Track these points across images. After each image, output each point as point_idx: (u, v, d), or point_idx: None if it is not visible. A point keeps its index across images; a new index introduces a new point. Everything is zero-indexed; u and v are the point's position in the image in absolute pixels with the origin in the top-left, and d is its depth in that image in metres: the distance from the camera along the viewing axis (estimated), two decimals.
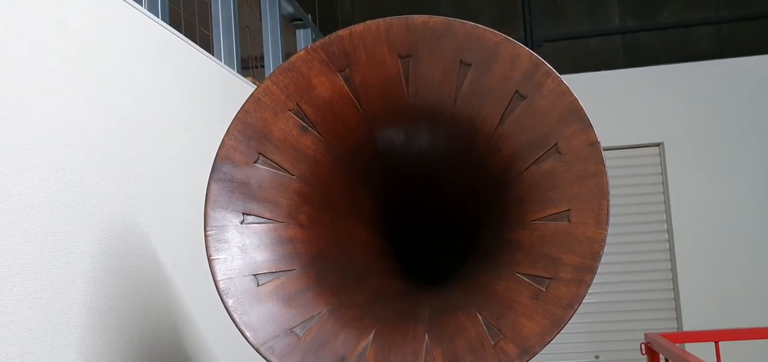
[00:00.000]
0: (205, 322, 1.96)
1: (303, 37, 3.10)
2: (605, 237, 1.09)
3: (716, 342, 2.63)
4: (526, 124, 1.21)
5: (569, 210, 1.14)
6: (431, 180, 1.40)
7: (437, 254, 1.52)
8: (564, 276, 1.11)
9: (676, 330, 4.20)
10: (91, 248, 1.44)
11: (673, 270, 4.28)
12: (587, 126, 1.14)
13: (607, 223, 1.10)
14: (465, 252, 1.40)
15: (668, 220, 4.29)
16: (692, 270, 4.21)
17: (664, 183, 4.32)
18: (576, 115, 1.15)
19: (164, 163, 1.80)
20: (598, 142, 1.13)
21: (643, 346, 2.63)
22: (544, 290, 1.13)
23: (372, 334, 1.20)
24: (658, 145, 4.33)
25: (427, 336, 1.18)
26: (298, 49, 3.11)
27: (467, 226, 1.40)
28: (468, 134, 1.28)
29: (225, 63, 2.37)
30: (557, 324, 1.08)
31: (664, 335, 2.67)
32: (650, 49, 4.84)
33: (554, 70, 1.18)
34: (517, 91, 1.21)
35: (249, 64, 2.88)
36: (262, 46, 2.81)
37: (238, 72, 2.44)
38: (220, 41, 2.40)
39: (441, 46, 1.24)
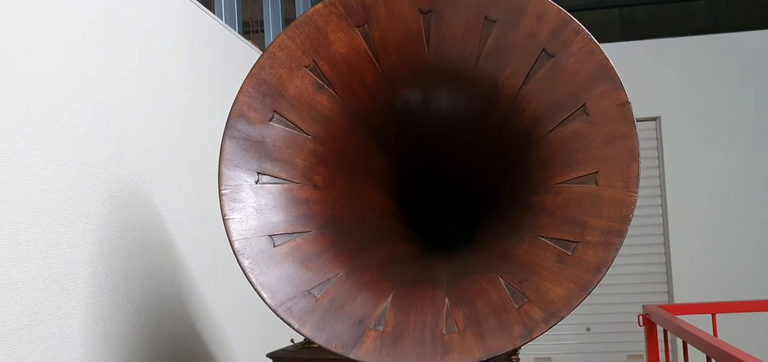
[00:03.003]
0: (209, 285, 1.92)
1: (302, 2, 3.04)
2: (635, 200, 1.07)
3: (713, 314, 2.64)
4: (553, 83, 1.17)
5: (597, 172, 1.11)
6: (449, 142, 1.36)
7: (452, 219, 1.49)
8: (591, 239, 1.09)
9: (667, 303, 4.23)
10: (97, 207, 1.39)
11: (666, 244, 4.29)
12: (618, 86, 1.11)
13: (637, 186, 1.07)
14: (482, 216, 1.37)
15: (662, 195, 4.30)
16: (685, 245, 4.22)
17: (660, 157, 4.31)
18: (606, 74, 1.12)
19: (167, 123, 1.75)
20: (628, 103, 1.10)
21: (640, 317, 2.63)
22: (570, 254, 1.10)
23: (390, 297, 1.17)
24: (654, 119, 4.32)
25: (447, 299, 1.15)
26: (296, 14, 3.04)
27: (486, 190, 1.37)
28: (490, 94, 1.25)
29: (226, 23, 2.30)
30: (585, 288, 1.05)
31: (661, 306, 2.67)
32: (647, 23, 4.81)
33: (584, 27, 1.14)
34: (543, 49, 1.17)
35: (249, 28, 2.81)
36: (262, 10, 2.74)
37: (239, 33, 2.38)
38: (222, 0, 2.33)
39: (465, 0, 1.20)
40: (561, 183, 1.15)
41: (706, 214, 4.21)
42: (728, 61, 4.27)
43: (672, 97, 4.27)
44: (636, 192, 1.07)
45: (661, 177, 4.31)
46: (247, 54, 2.35)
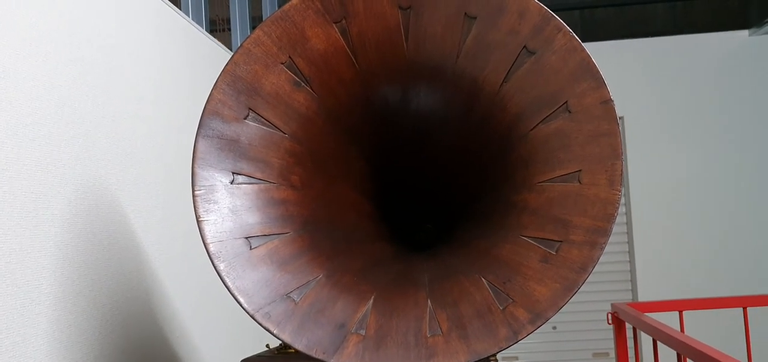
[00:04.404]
0: (179, 289, 1.86)
1: (269, 1, 2.98)
2: (619, 198, 1.06)
3: (680, 312, 2.67)
4: (534, 81, 1.16)
5: (580, 170, 1.10)
6: (428, 141, 1.34)
7: (430, 219, 1.47)
8: (575, 238, 1.07)
9: (631, 302, 4.28)
10: (62, 210, 1.33)
11: (630, 242, 4.35)
12: (600, 84, 1.10)
13: (621, 184, 1.06)
14: (463, 216, 1.35)
15: (626, 194, 4.35)
16: (649, 243, 4.29)
17: (623, 156, 4.37)
18: (588, 71, 1.11)
19: (135, 122, 1.69)
20: (611, 100, 1.09)
21: (609, 316, 2.65)
22: (554, 253, 1.08)
23: (372, 300, 1.14)
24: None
25: (429, 301, 1.13)
26: (263, 13, 2.99)
27: (466, 190, 1.35)
28: (470, 92, 1.23)
29: (193, 20, 2.24)
30: (570, 289, 1.04)
31: (630, 304, 2.70)
32: (607, 24, 4.87)
33: (565, 24, 1.13)
34: (525, 46, 1.15)
35: (216, 27, 2.75)
36: (229, 8, 2.69)
37: (206, 31, 2.32)
38: None
39: None
40: (544, 181, 1.14)
41: (668, 213, 4.29)
42: (688, 62, 4.35)
43: (635, 97, 4.33)
44: (620, 191, 1.06)
45: (625, 176, 4.37)
46: (215, 52, 2.29)
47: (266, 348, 1.47)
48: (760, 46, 4.30)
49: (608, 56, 4.34)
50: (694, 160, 4.30)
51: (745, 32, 4.32)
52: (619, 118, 4.36)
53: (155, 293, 1.72)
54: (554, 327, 4.40)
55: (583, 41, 1.13)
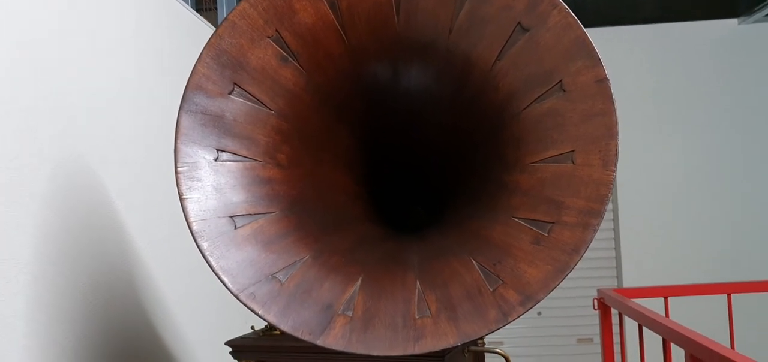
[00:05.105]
0: (162, 269, 1.83)
1: None
2: (613, 179, 1.04)
3: (665, 298, 2.68)
4: (528, 59, 1.13)
5: (573, 151, 1.08)
6: (419, 119, 1.31)
7: (419, 200, 1.44)
8: (568, 220, 1.05)
9: (616, 287, 4.30)
10: (40, 187, 1.29)
11: (616, 229, 4.36)
12: (596, 62, 1.07)
13: (615, 165, 1.04)
14: (453, 197, 1.32)
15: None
16: (634, 230, 4.30)
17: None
18: (584, 49, 1.08)
19: (116, 99, 1.64)
20: (606, 79, 1.06)
21: (595, 302, 2.65)
22: (545, 235, 1.06)
23: (359, 281, 1.11)
24: None
25: (418, 282, 1.10)
26: None
27: (457, 170, 1.32)
28: (462, 70, 1.20)
29: None
30: (562, 271, 1.02)
31: (616, 290, 2.69)
32: (596, 10, 4.85)
33: (561, 0, 1.10)
34: (519, 22, 1.12)
35: (202, 6, 2.70)
36: None
37: (192, 8, 2.27)
38: None
39: None
40: (536, 162, 1.12)
41: (654, 200, 4.29)
42: (677, 50, 4.34)
43: (622, 85, 4.32)
44: (614, 171, 1.04)
45: None
46: (202, 30, 2.25)
47: (251, 330, 1.44)
48: (750, 34, 4.31)
49: (597, 43, 4.31)
50: (681, 148, 4.30)
51: (734, 20, 4.32)
52: None
53: (138, 273, 1.69)
54: (539, 313, 4.40)
55: None
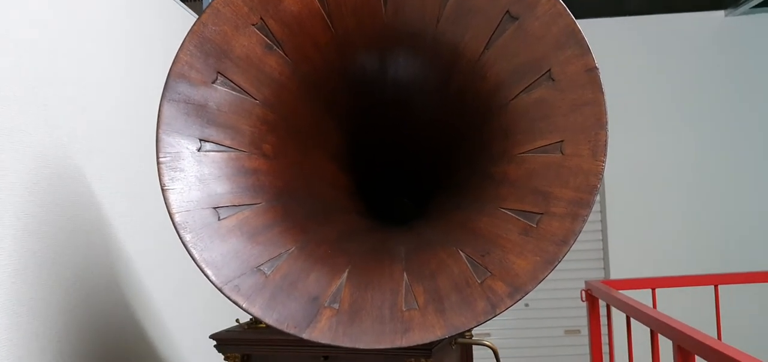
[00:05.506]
0: (146, 264, 1.80)
1: None
2: (602, 169, 1.02)
3: (653, 289, 2.68)
4: (516, 48, 1.11)
5: (562, 141, 1.07)
6: (406, 110, 1.29)
7: (408, 193, 1.43)
8: (556, 211, 1.04)
9: (604, 279, 4.31)
10: (21, 178, 1.26)
11: (603, 221, 4.36)
12: (585, 51, 1.06)
13: (604, 155, 1.03)
14: (441, 188, 1.31)
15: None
16: (621, 222, 4.31)
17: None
18: (573, 38, 1.07)
19: (101, 90, 1.62)
20: (596, 68, 1.05)
21: (583, 293, 2.65)
22: (534, 226, 1.05)
23: (346, 272, 1.10)
24: None
25: (405, 274, 1.09)
26: None
27: (444, 161, 1.31)
28: (450, 60, 1.18)
29: None
30: (551, 262, 1.01)
31: (603, 282, 2.70)
32: (583, 3, 4.84)
33: None
34: (507, 11, 1.11)
35: None
36: None
37: None
38: None
39: None
40: (524, 152, 1.11)
41: (642, 192, 4.30)
42: (664, 42, 4.35)
43: (609, 77, 4.31)
44: (604, 161, 1.03)
45: None
46: (187, 21, 2.21)
47: (236, 323, 1.43)
48: (736, 26, 4.32)
49: (584, 35, 4.31)
50: (668, 140, 4.31)
51: (721, 13, 4.33)
52: None
53: (123, 266, 1.66)
54: (527, 305, 4.41)
55: None
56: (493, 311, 1.00)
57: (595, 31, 4.26)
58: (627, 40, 4.36)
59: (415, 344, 0.99)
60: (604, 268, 4.40)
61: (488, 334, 4.38)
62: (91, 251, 1.51)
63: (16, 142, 1.26)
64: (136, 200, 1.75)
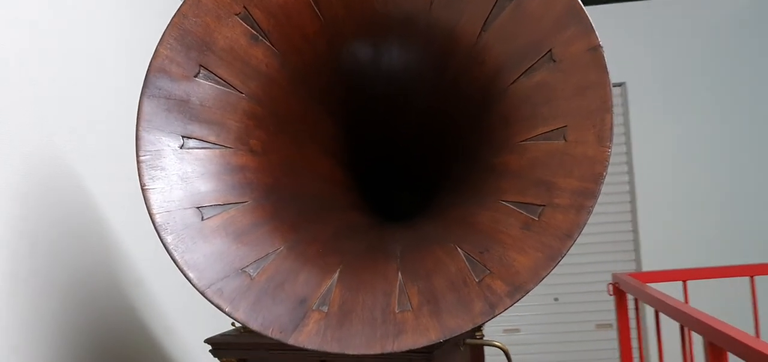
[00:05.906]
0: (144, 267, 1.77)
1: None
2: (609, 156, 0.94)
3: (684, 282, 2.57)
4: (515, 29, 1.04)
5: (566, 127, 0.99)
6: (401, 101, 1.23)
7: (404, 187, 1.36)
8: (560, 202, 0.96)
9: (635, 272, 4.18)
10: (10, 181, 1.23)
11: (634, 212, 4.23)
12: (588, 29, 0.98)
13: (610, 140, 0.95)
14: (439, 182, 1.24)
15: (629, 162, 4.23)
16: (653, 212, 4.17)
17: (626, 124, 4.24)
18: (575, 16, 0.99)
19: (92, 88, 1.58)
20: (600, 47, 0.97)
21: (610, 287, 2.55)
22: (536, 219, 0.97)
23: (337, 273, 1.03)
24: (620, 84, 4.24)
25: (400, 274, 1.02)
26: None
27: (443, 153, 1.24)
28: (445, 45, 1.11)
29: None
30: (553, 257, 0.93)
31: (631, 275, 2.59)
32: None
33: None
34: None
35: None
36: None
37: None
38: None
39: None
40: (526, 140, 1.03)
41: (673, 180, 4.16)
42: (690, 23, 4.19)
43: (637, 63, 4.19)
44: (610, 147, 0.95)
45: (628, 144, 4.24)
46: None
47: (232, 327, 1.37)
48: (765, 4, 4.14)
49: (609, 20, 4.19)
50: (698, 126, 4.15)
51: None
52: (621, 83, 4.22)
53: (121, 268, 1.63)
54: (556, 299, 4.30)
55: (585, 5, 1.01)
56: (491, 312, 0.93)
57: (625, 15, 4.14)
58: (652, 23, 4.21)
59: (407, 348, 0.93)
60: (636, 260, 4.27)
61: (518, 330, 4.29)
62: (87, 254, 1.48)
63: (5, 142, 1.22)
64: (133, 199, 1.71)
